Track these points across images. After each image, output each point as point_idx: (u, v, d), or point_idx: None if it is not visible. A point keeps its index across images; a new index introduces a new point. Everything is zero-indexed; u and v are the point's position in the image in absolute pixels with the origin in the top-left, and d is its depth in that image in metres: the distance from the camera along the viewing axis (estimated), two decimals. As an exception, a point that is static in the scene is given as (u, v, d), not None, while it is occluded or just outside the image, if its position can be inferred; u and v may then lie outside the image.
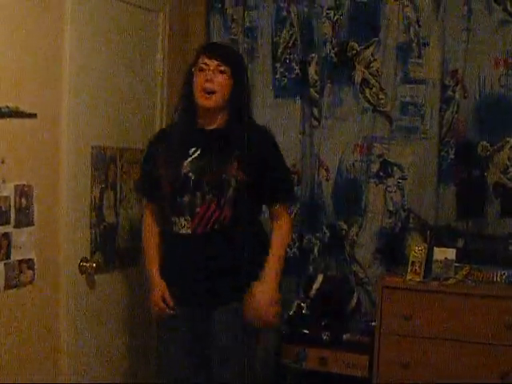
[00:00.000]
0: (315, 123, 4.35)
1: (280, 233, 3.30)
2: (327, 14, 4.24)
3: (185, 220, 3.21)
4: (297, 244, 4.34)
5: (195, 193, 3.18)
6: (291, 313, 4.16)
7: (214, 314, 3.22)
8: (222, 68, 3.19)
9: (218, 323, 3.22)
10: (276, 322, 3.29)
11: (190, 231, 3.20)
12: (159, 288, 3.30)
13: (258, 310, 3.18)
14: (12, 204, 3.00)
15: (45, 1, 3.15)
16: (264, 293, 3.18)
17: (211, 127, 3.26)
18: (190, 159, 3.22)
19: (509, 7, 3.96)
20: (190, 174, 3.20)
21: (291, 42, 4.32)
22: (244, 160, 3.17)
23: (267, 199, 3.32)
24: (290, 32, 4.31)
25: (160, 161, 3.28)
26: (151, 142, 3.46)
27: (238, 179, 3.16)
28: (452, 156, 4.12)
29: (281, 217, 3.32)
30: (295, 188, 4.10)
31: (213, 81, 3.17)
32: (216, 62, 3.19)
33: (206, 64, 3.20)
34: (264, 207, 3.39)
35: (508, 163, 4.03)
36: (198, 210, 3.17)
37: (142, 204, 3.87)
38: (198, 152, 3.22)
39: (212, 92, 3.18)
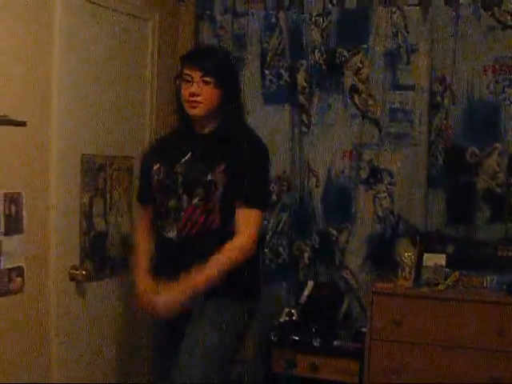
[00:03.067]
0: (304, 130, 4.35)
1: (227, 255, 3.06)
2: (316, 20, 4.25)
3: (169, 224, 3.16)
4: (287, 251, 4.35)
5: (182, 196, 3.13)
6: (282, 319, 4.16)
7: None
8: (207, 79, 3.08)
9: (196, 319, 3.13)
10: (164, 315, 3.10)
11: (174, 235, 3.15)
12: (142, 283, 3.21)
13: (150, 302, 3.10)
14: (1, 212, 2.99)
15: (34, 9, 3.14)
16: (168, 296, 3.06)
17: (203, 132, 3.19)
18: (180, 162, 3.17)
19: (497, 13, 3.98)
20: (179, 176, 3.15)
21: (280, 48, 4.33)
22: (228, 165, 3.08)
23: (238, 200, 3.10)
24: (279, 39, 4.32)
25: (154, 166, 3.24)
26: (146, 153, 3.44)
27: (222, 182, 3.07)
28: (441, 162, 4.14)
29: (242, 231, 3.08)
30: (271, 197, 4.20)
31: (198, 93, 3.08)
32: (199, 73, 3.09)
33: (188, 75, 3.11)
34: None
35: (497, 169, 4.04)
36: (182, 213, 3.13)
37: (132, 211, 3.87)
38: (189, 155, 3.17)
39: (198, 102, 3.10)
